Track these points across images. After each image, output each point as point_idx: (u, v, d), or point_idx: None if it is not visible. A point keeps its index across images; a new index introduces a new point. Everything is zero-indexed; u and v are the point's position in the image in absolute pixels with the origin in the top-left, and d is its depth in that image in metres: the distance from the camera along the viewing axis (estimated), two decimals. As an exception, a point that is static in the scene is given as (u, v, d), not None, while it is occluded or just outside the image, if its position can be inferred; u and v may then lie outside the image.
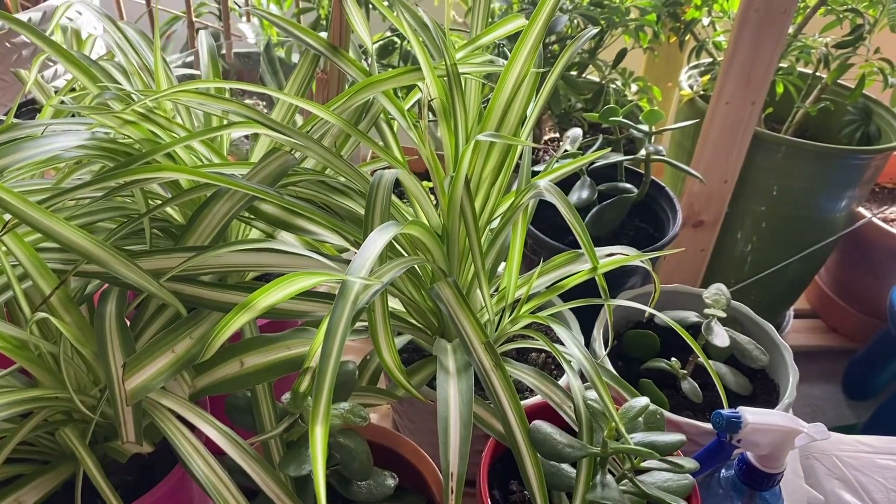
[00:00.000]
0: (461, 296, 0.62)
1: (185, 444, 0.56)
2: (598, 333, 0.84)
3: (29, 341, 0.57)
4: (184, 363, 0.56)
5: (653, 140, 0.96)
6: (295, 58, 1.21)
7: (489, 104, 0.65)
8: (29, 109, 1.11)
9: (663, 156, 0.96)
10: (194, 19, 1.18)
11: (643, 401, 0.61)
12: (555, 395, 0.67)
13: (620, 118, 0.96)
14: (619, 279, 0.94)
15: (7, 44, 1.10)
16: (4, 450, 0.54)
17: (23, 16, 1.10)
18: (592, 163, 1.00)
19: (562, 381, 0.74)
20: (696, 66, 1.39)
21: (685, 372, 0.81)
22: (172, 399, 0.57)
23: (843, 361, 1.48)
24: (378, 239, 0.52)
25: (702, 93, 1.31)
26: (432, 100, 0.64)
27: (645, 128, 0.95)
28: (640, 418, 0.61)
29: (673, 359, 0.82)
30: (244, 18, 1.33)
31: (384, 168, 0.63)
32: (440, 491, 0.65)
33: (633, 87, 1.29)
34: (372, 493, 0.61)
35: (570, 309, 0.81)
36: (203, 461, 0.56)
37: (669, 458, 0.58)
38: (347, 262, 0.56)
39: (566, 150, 0.92)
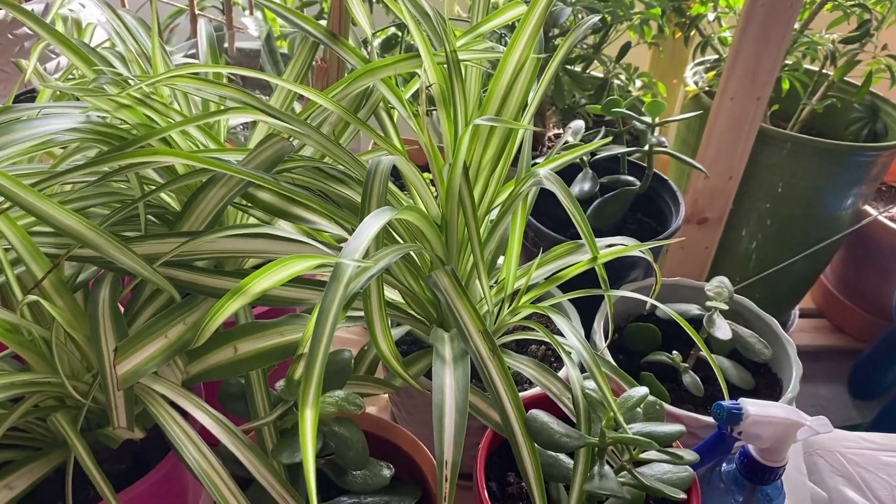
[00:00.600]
0: (459, 284, 0.62)
1: (178, 430, 0.56)
2: (598, 326, 0.83)
3: (21, 325, 0.57)
4: (177, 349, 0.55)
5: (656, 132, 0.95)
6: (297, 52, 1.20)
7: (489, 90, 0.64)
8: (29, 98, 1.10)
9: (666, 147, 0.95)
10: (197, 13, 1.18)
11: (642, 390, 0.60)
12: (554, 387, 0.66)
13: (623, 109, 0.95)
14: (621, 272, 0.93)
15: (9, 35, 1.10)
16: (-5, 434, 0.54)
17: (25, 7, 1.10)
18: (594, 155, 0.99)
19: (561, 374, 0.73)
20: (701, 63, 1.38)
21: (686, 365, 0.80)
22: (165, 385, 0.57)
23: (849, 361, 1.47)
24: (373, 223, 0.51)
25: (707, 89, 1.30)
26: (430, 86, 0.64)
27: (648, 119, 0.95)
28: (640, 408, 0.60)
29: (674, 352, 0.81)
30: (247, 12, 1.33)
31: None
32: (437, 482, 0.64)
33: (638, 83, 1.28)
34: (367, 482, 0.60)
35: (571, 303, 0.80)
36: (195, 448, 0.55)
37: (669, 450, 0.57)
38: (344, 249, 0.55)
39: (566, 142, 0.91)
